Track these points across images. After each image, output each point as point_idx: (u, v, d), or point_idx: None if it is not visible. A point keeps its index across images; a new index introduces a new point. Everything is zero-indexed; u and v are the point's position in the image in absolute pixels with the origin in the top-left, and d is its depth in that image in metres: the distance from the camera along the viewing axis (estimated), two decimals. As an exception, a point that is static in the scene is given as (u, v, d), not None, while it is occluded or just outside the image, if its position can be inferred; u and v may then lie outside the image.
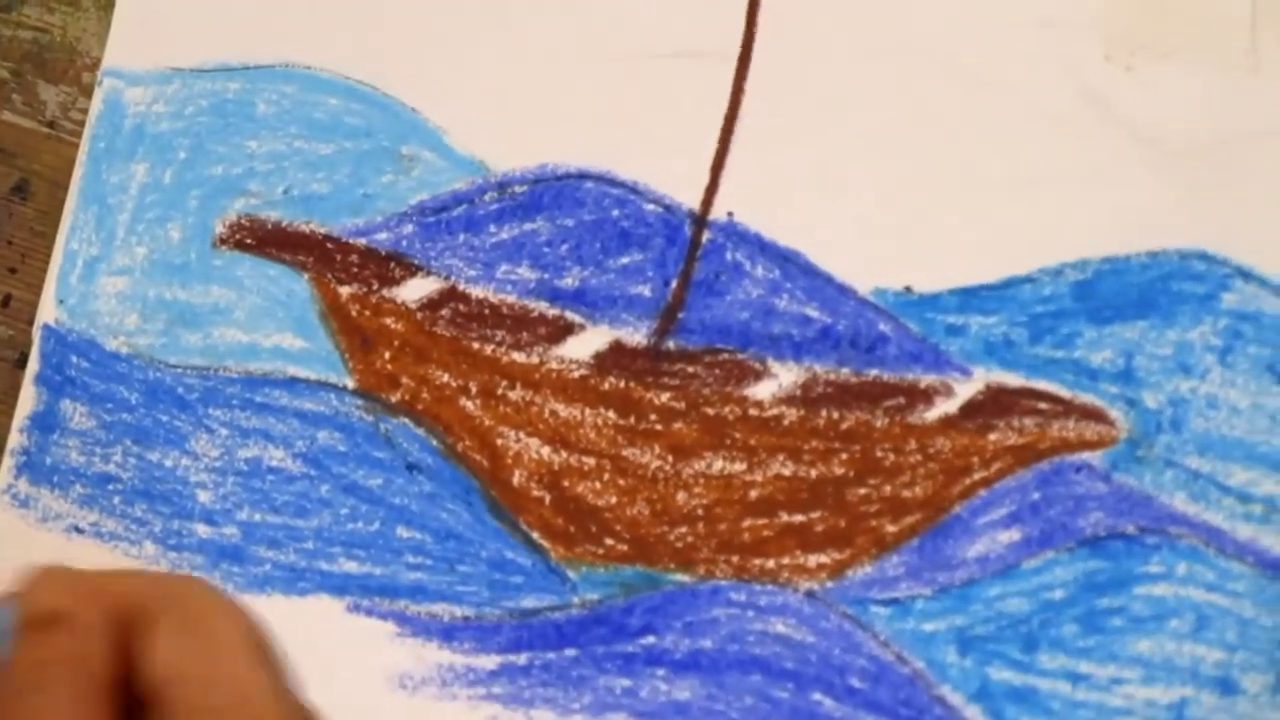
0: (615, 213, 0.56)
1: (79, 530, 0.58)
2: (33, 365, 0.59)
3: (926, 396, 0.54)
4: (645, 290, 0.56)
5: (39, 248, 0.59)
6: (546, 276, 0.56)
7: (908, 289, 0.54)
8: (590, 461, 0.56)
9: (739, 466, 0.55)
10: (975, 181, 0.54)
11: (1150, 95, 0.53)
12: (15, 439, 0.58)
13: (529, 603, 0.55)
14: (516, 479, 0.55)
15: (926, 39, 0.55)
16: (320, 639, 0.56)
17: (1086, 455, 0.54)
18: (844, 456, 0.55)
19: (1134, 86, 0.53)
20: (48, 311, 0.59)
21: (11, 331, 0.59)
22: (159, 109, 0.59)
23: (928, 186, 0.55)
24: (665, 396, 0.55)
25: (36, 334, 0.59)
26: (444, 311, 0.56)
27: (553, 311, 0.56)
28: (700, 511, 0.55)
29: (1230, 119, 0.53)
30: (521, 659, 0.55)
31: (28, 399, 0.59)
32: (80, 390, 0.58)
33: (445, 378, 0.56)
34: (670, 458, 0.55)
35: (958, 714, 0.53)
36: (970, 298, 0.54)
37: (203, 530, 0.57)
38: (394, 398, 0.56)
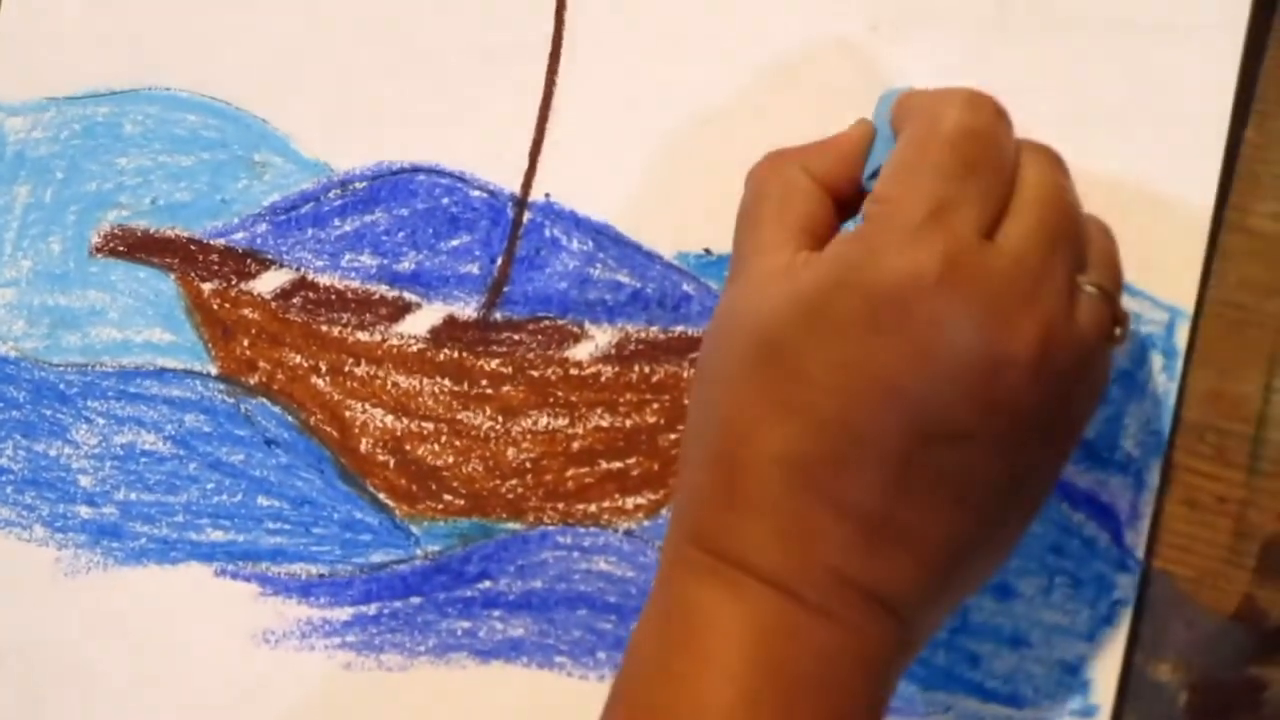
0: (445, 200, 0.63)
1: None
2: None
3: None
4: (474, 269, 0.63)
5: None
6: (386, 262, 0.63)
7: (707, 251, 0.60)
8: (429, 426, 0.63)
9: (562, 422, 0.62)
10: (765, 148, 0.57)
11: (913, 59, 0.59)
12: (-82, 442, 0.66)
13: (377, 558, 0.62)
14: (363, 446, 0.63)
15: (715, 33, 0.61)
16: (191, 603, 0.63)
17: None
18: (655, 406, 0.61)
19: (895, 53, 0.59)
20: None
21: None
22: (37, 135, 0.66)
23: (718, 158, 0.60)
24: (494, 363, 0.62)
25: None
26: (295, 300, 0.64)
27: (392, 293, 0.63)
28: (528, 465, 0.62)
29: (984, 76, 0.55)
30: (372, 609, 0.62)
31: None
32: None
33: (298, 359, 0.64)
34: (500, 418, 0.62)
35: None
36: None
37: (85, 511, 0.64)
38: (253, 380, 0.64)
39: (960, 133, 0.47)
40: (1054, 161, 0.50)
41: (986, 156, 0.48)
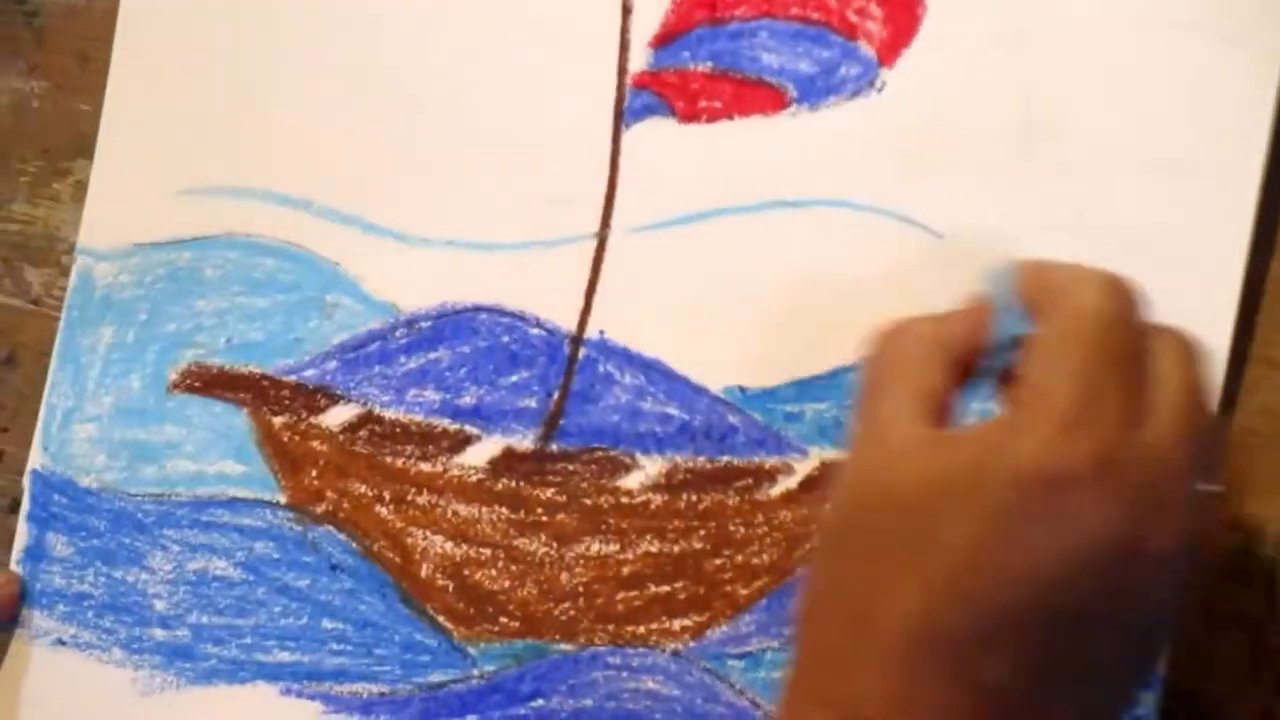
0: (505, 338, 0.68)
1: (62, 642, 0.72)
2: (25, 506, 0.73)
3: (771, 476, 0.65)
4: (531, 402, 0.68)
5: (26, 408, 0.74)
6: (448, 397, 0.69)
7: (741, 389, 0.65)
8: (486, 552, 0.68)
9: (613, 548, 0.67)
10: (806, 289, 0.65)
11: (942, 200, 0.63)
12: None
13: (435, 678, 0.68)
14: (424, 571, 0.68)
15: (757, 181, 0.66)
16: None
17: None
18: (702, 533, 0.66)
19: (928, 195, 0.64)
20: (35, 459, 0.73)
21: (4, 481, 0.74)
22: (124, 279, 0.72)
23: (767, 296, 0.65)
24: (549, 492, 0.67)
25: (27, 480, 0.73)
26: (362, 433, 0.69)
27: (454, 426, 0.69)
28: (581, 589, 0.67)
29: (1009, 216, 0.62)
30: None
31: (21, 536, 0.73)
32: (61, 523, 0.73)
33: (363, 489, 0.69)
34: (554, 544, 0.67)
35: None
36: (805, 388, 0.64)
37: (159, 634, 0.70)
38: (319, 509, 0.70)
39: (1105, 324, 0.50)
40: (1190, 353, 0.52)
41: (1130, 347, 0.50)
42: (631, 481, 0.67)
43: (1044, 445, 0.48)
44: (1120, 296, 0.51)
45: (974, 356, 0.54)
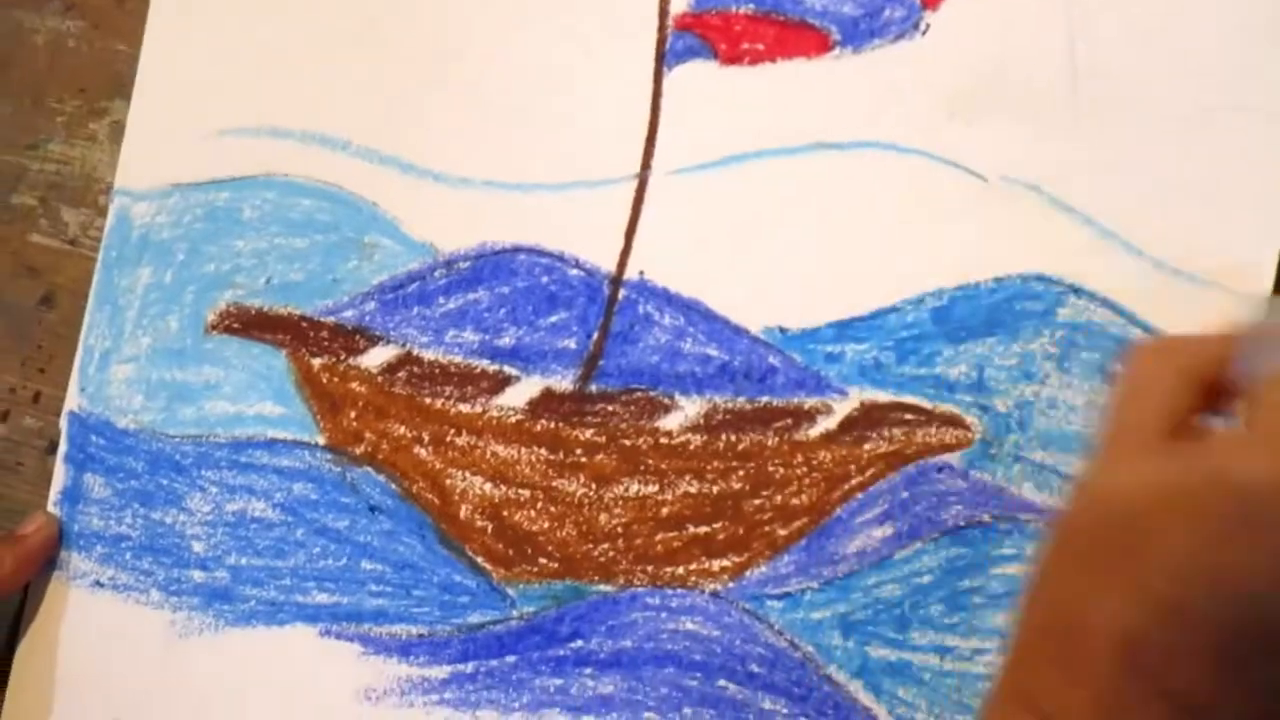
0: (544, 279, 0.70)
1: (100, 584, 0.74)
2: (62, 448, 0.75)
3: (810, 416, 0.67)
4: (571, 343, 0.70)
5: (63, 349, 0.75)
6: (487, 338, 0.70)
7: (781, 329, 0.67)
8: (525, 493, 0.70)
9: (652, 489, 0.68)
10: (848, 231, 0.66)
11: (988, 144, 0.65)
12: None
13: (474, 619, 0.69)
14: (463, 513, 0.70)
15: (798, 123, 0.68)
16: (298, 662, 0.70)
17: (947, 457, 0.65)
18: (740, 473, 0.67)
19: (975, 139, 0.65)
20: (72, 400, 0.75)
21: (42, 423, 0.76)
22: (161, 219, 0.74)
23: (808, 239, 0.67)
24: (589, 433, 0.69)
25: (64, 421, 0.75)
26: (400, 374, 0.71)
27: (493, 367, 0.70)
28: (619, 530, 0.68)
29: (1055, 160, 0.64)
30: (469, 668, 0.69)
31: (59, 478, 0.75)
32: (98, 465, 0.74)
33: (402, 430, 0.71)
34: (593, 485, 0.69)
35: (843, 689, 0.65)
36: (845, 329, 0.66)
37: (198, 576, 0.72)
38: (358, 450, 0.71)
39: None
40: None
41: None
42: (671, 422, 0.69)
43: (1265, 460, 0.49)
44: None
45: (1221, 378, 0.55)
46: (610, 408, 0.70)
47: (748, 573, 0.68)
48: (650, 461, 0.69)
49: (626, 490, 0.70)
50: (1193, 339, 0.56)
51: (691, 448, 0.69)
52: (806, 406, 0.68)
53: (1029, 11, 0.66)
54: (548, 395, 0.71)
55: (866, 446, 0.67)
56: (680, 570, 0.69)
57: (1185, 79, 0.64)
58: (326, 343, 0.73)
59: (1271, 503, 0.48)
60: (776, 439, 0.68)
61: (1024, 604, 0.54)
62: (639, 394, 0.70)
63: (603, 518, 0.70)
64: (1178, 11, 0.64)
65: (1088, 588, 0.51)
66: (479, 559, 0.71)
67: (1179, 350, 0.55)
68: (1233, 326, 0.55)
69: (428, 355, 0.72)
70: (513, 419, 0.71)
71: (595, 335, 0.71)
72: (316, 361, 0.73)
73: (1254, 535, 0.49)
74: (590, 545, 0.70)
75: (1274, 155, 0.63)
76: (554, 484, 0.70)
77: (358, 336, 0.73)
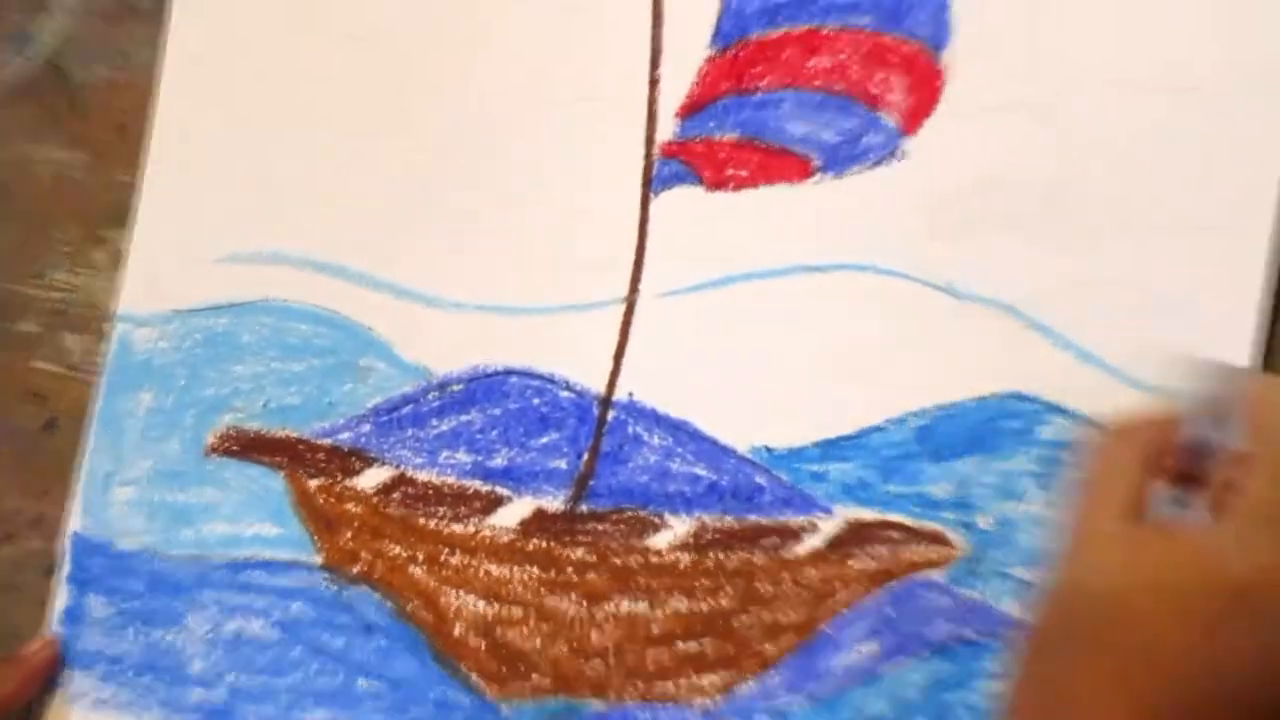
0: (535, 400, 0.70)
1: (101, 702, 0.73)
2: (65, 568, 0.74)
3: (797, 535, 0.66)
4: (562, 464, 0.70)
5: (64, 472, 0.75)
6: (480, 458, 0.70)
7: (767, 448, 0.67)
8: (518, 611, 0.69)
9: (642, 606, 0.68)
10: (831, 352, 0.66)
11: (967, 265, 0.65)
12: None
13: None
14: (457, 630, 0.69)
15: (778, 245, 0.67)
16: None
17: (932, 573, 0.65)
18: (729, 590, 0.67)
19: (953, 260, 0.65)
20: (75, 522, 0.75)
21: (43, 545, 0.76)
22: (162, 345, 0.74)
23: (793, 359, 0.67)
24: (580, 552, 0.69)
25: (67, 541, 0.75)
26: (395, 495, 0.71)
27: (485, 488, 0.70)
28: (611, 647, 0.68)
29: (1032, 280, 0.64)
30: None
31: (61, 597, 0.74)
32: (100, 585, 0.74)
33: (397, 550, 0.71)
34: (585, 603, 0.69)
35: None
36: (830, 448, 0.66)
37: (197, 694, 0.72)
38: (354, 570, 0.71)
39: None
40: None
41: None
42: (660, 541, 0.69)
43: (1263, 555, 0.50)
44: None
45: (1169, 456, 0.55)
46: (601, 527, 0.70)
47: (737, 689, 0.68)
48: (640, 580, 0.69)
49: (617, 608, 0.69)
50: (1152, 419, 0.56)
51: (681, 566, 0.69)
52: (794, 525, 0.68)
53: (1005, 135, 0.66)
54: (539, 515, 0.71)
55: (853, 564, 0.67)
56: (671, 686, 0.68)
57: (1161, 199, 0.64)
58: (323, 464, 0.73)
59: (1262, 596, 0.49)
60: (764, 557, 0.68)
61: (1015, 699, 0.54)
62: (629, 513, 0.70)
63: (594, 635, 0.69)
64: (1152, 133, 0.65)
65: (1089, 689, 0.51)
66: (473, 676, 0.70)
67: (1139, 432, 0.55)
68: (1179, 400, 0.56)
69: (421, 476, 0.72)
70: (505, 538, 0.71)
71: (586, 456, 0.71)
72: (313, 483, 0.73)
73: (1245, 628, 0.49)
74: (582, 662, 0.69)
75: (1244, 272, 0.63)
76: (546, 602, 0.70)
77: (353, 458, 0.73)
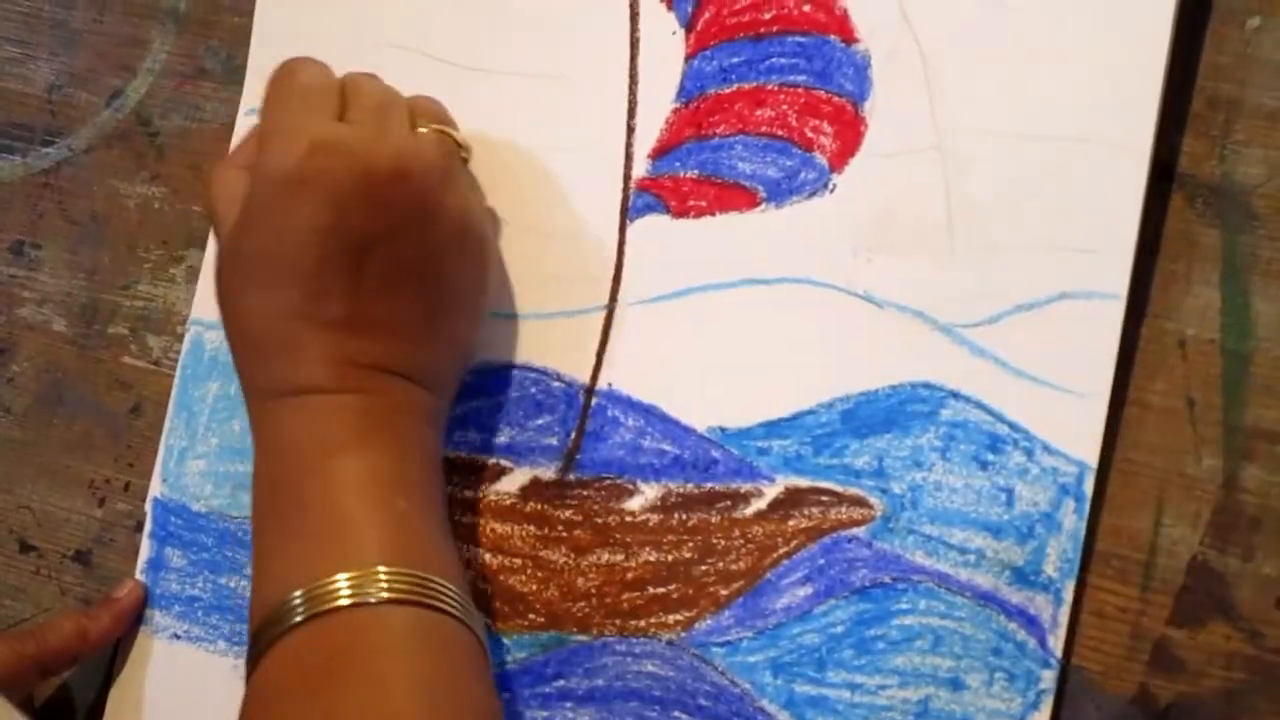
0: (532, 390, 0.72)
1: (177, 636, 0.75)
2: (147, 527, 0.77)
3: (745, 498, 0.68)
4: (553, 441, 0.71)
5: (148, 448, 0.77)
6: (487, 437, 0.72)
7: (722, 428, 0.69)
8: (518, 561, 0.71)
9: (619, 557, 0.70)
10: (774, 349, 0.68)
11: (885, 278, 0.67)
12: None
13: None
14: (469, 577, 0.70)
15: (731, 263, 0.69)
16: None
17: (855, 530, 0.66)
18: (690, 544, 0.69)
19: (873, 274, 0.68)
20: (156, 488, 0.77)
21: (131, 507, 0.78)
22: (227, 344, 0.70)
23: (743, 355, 0.69)
24: (568, 513, 0.71)
25: (149, 505, 0.77)
26: None
27: (491, 460, 0.72)
28: (593, 590, 0.70)
29: (936, 290, 0.66)
30: None
31: (145, 551, 0.77)
32: (176, 540, 0.76)
33: None
34: (572, 555, 0.70)
35: (773, 718, 0.66)
36: (772, 428, 0.68)
37: None
38: None
39: (287, 72, 0.66)
40: (370, 77, 0.67)
41: (313, 86, 0.65)
42: (634, 504, 0.71)
43: (274, 156, 0.62)
44: (307, 62, 0.65)
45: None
46: (585, 493, 0.72)
47: (696, 625, 0.69)
48: (618, 535, 0.71)
49: (599, 559, 0.71)
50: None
51: (650, 524, 0.70)
52: (742, 490, 0.69)
53: (915, 173, 0.68)
54: (535, 483, 0.72)
55: (790, 523, 0.68)
56: (642, 623, 0.70)
57: (1036, 226, 0.66)
58: None
59: (295, 176, 0.61)
60: (719, 517, 0.70)
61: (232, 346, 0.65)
62: (608, 481, 0.71)
63: (580, 581, 0.71)
64: (1029, 171, 0.67)
65: (246, 301, 0.63)
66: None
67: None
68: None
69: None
70: (507, 502, 0.72)
71: (573, 434, 0.72)
72: None
73: (302, 196, 0.61)
74: (570, 603, 0.71)
75: (1105, 281, 0.65)
76: (540, 554, 0.72)
77: None
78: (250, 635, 0.59)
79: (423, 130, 0.64)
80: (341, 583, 0.57)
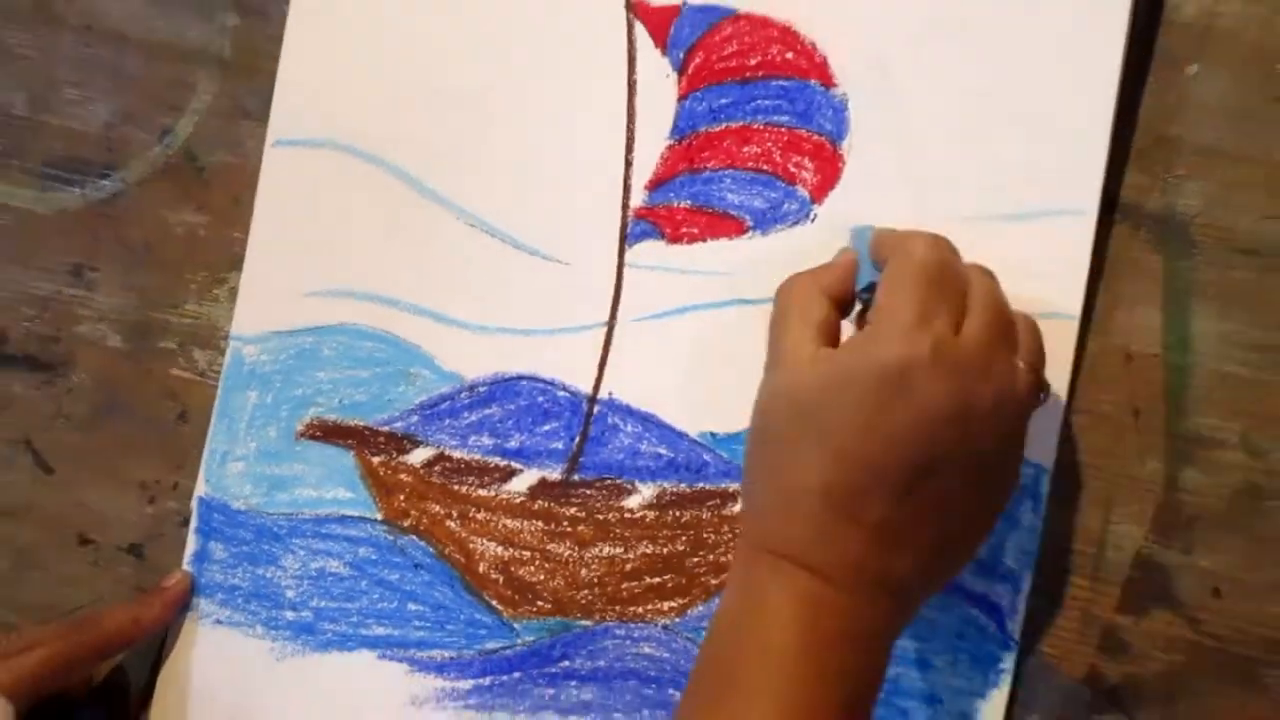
0: (540, 399, 0.71)
1: (219, 622, 0.74)
2: (193, 523, 0.75)
3: (733, 497, 0.68)
4: (559, 445, 0.70)
5: (193, 451, 0.76)
6: (499, 441, 0.71)
7: (712, 434, 0.68)
8: (527, 554, 0.70)
9: (619, 550, 0.69)
10: (758, 361, 0.62)
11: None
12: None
13: (490, 645, 0.70)
14: (481, 568, 0.71)
15: (721, 284, 0.68)
16: (363, 678, 0.71)
17: None
18: (683, 539, 0.68)
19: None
20: (200, 488, 0.75)
21: (178, 505, 0.76)
22: (264, 357, 0.74)
23: (731, 367, 0.68)
24: (572, 510, 0.70)
25: (195, 503, 0.75)
26: (436, 468, 0.71)
27: (503, 463, 0.71)
28: (595, 580, 0.69)
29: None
30: (486, 681, 0.69)
31: (190, 544, 0.75)
32: (219, 535, 0.75)
33: (437, 509, 0.71)
34: (576, 548, 0.70)
35: None
36: None
37: (289, 615, 0.73)
38: (406, 524, 0.72)
39: (929, 260, 0.56)
40: (990, 276, 0.58)
41: (947, 276, 0.56)
42: (632, 502, 0.70)
43: (894, 345, 0.54)
44: (940, 244, 0.57)
45: (846, 295, 0.61)
46: (588, 492, 0.71)
47: (689, 611, 0.69)
48: (617, 531, 0.70)
49: (600, 552, 0.70)
50: (823, 269, 0.61)
51: (647, 520, 0.69)
52: (731, 490, 0.69)
53: (886, 203, 0.68)
54: (543, 483, 0.71)
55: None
56: (640, 609, 0.69)
57: (988, 247, 0.64)
58: (383, 445, 0.74)
59: (898, 372, 0.54)
60: (709, 514, 0.69)
61: (746, 478, 0.59)
62: (609, 482, 0.70)
63: (583, 571, 0.70)
64: (994, 202, 0.66)
65: (786, 457, 0.56)
66: (493, 602, 0.71)
67: (814, 278, 0.60)
68: (847, 256, 0.62)
69: (456, 454, 0.73)
70: (517, 500, 0.71)
71: (577, 439, 0.71)
72: (376, 459, 0.74)
73: (893, 399, 0.54)
74: (574, 592, 0.70)
75: (1062, 304, 0.65)
76: (547, 547, 0.71)
77: (405, 441, 0.73)
78: None
79: (1021, 366, 0.57)
80: None
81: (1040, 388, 0.58)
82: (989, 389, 0.54)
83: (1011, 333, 0.57)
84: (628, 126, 0.72)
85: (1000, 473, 0.57)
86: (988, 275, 0.58)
